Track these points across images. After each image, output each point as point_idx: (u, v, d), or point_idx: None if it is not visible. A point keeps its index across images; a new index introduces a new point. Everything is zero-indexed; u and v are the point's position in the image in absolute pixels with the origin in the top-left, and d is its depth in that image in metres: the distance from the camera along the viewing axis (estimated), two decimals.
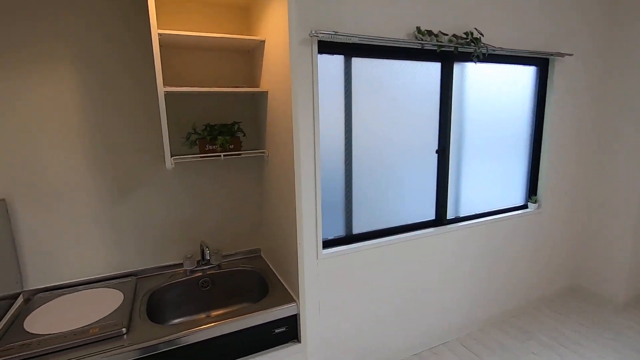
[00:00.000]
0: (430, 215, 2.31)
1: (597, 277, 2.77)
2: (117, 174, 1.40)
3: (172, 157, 1.25)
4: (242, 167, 1.61)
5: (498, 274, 2.50)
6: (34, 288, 1.34)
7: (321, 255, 1.84)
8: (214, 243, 1.61)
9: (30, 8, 1.21)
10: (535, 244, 2.62)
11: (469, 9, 2.00)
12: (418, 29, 1.85)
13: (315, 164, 1.62)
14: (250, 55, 1.55)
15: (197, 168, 1.52)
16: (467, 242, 2.33)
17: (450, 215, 2.35)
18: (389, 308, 2.11)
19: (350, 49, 1.86)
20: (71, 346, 1.03)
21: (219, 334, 1.15)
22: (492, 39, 2.11)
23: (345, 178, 2.03)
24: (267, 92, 1.36)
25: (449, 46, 1.94)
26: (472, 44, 1.97)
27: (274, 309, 1.22)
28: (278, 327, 1.24)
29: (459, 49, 1.98)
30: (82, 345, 1.04)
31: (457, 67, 2.16)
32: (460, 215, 2.41)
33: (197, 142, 1.38)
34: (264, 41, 1.34)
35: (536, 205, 2.56)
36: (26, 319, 1.15)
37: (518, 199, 2.62)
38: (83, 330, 1.08)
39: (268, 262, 1.61)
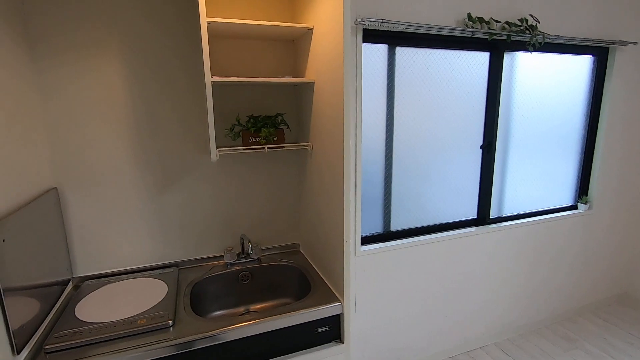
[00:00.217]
0: (472, 213, 2.21)
1: None
2: (163, 165, 1.39)
3: (217, 149, 1.23)
4: (283, 160, 1.57)
5: (542, 277, 2.37)
6: (82, 275, 1.37)
7: (359, 252, 1.79)
8: (253, 236, 1.59)
9: None
10: (584, 247, 2.46)
11: None
12: (469, 15, 1.74)
13: (356, 158, 1.56)
14: (294, 45, 1.49)
15: (240, 160, 1.50)
16: (510, 243, 2.21)
17: (493, 214, 2.23)
18: (425, 309, 2.04)
19: (395, 38, 1.77)
20: (120, 336, 1.03)
21: (264, 331, 1.12)
22: (547, 27, 1.96)
23: (385, 173, 1.96)
24: (313, 82, 1.31)
25: (501, 34, 1.81)
26: (527, 31, 1.83)
27: (318, 308, 1.18)
28: (321, 326, 1.21)
29: (512, 37, 1.84)
30: (131, 335, 1.04)
31: (507, 57, 2.02)
32: (504, 215, 2.28)
33: (241, 133, 1.36)
34: (312, 29, 1.28)
35: (587, 206, 2.39)
36: (77, 306, 1.17)
37: (567, 198, 2.46)
38: (131, 321, 1.08)
39: (307, 258, 1.57)
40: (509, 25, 1.82)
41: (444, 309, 2.10)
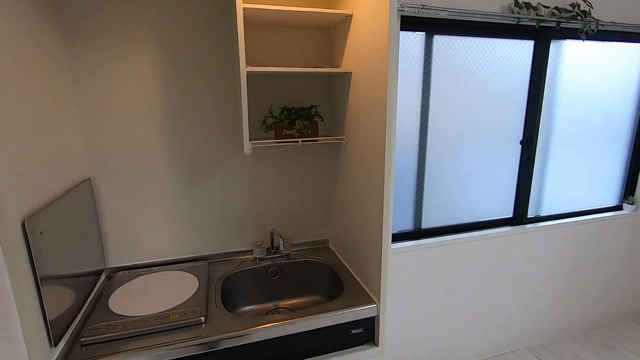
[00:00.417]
0: (508, 212, 2.10)
1: None
2: (194, 157, 1.37)
3: (250, 142, 1.19)
4: (315, 154, 1.52)
5: (581, 281, 2.24)
6: (115, 266, 1.37)
7: (390, 250, 1.73)
8: (282, 231, 1.55)
9: None
10: (628, 250, 2.31)
11: None
12: (516, 1, 1.61)
13: (391, 153, 1.49)
14: (329, 33, 1.42)
15: (272, 153, 1.46)
16: (549, 244, 2.09)
17: (530, 213, 2.11)
18: (456, 310, 1.97)
19: (434, 25, 1.67)
20: (153, 331, 1.02)
21: (297, 332, 1.09)
22: (601, 12, 1.80)
23: (418, 168, 1.88)
24: (351, 73, 1.24)
25: (550, 21, 1.68)
26: (579, 17, 1.69)
27: (353, 309, 1.14)
28: (355, 328, 1.16)
29: (562, 24, 1.71)
30: (163, 331, 1.03)
31: (553, 46, 1.89)
32: (542, 215, 2.16)
33: (274, 126, 1.31)
34: (350, 16, 1.21)
35: (633, 207, 2.24)
36: (110, 298, 1.17)
37: (611, 199, 2.31)
38: (164, 316, 1.07)
39: (337, 255, 1.53)
40: (558, 11, 1.69)
41: (476, 311, 2.02)
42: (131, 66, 1.24)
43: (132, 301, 1.15)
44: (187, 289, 1.22)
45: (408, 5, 1.41)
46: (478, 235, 1.93)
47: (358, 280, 1.31)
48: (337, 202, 1.50)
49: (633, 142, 2.24)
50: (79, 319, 1.08)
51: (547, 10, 1.70)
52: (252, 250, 1.50)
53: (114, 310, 1.10)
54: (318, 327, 1.11)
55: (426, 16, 1.52)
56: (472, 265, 1.94)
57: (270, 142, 1.28)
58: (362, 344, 1.19)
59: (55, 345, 0.92)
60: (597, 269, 2.26)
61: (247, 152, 1.18)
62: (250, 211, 1.49)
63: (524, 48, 1.87)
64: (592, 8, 1.76)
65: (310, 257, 1.50)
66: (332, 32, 1.40)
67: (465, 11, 1.52)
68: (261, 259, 1.47)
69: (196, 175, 1.39)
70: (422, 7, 1.44)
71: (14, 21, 0.88)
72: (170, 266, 1.40)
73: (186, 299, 1.16)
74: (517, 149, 2.01)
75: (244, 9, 1.10)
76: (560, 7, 1.71)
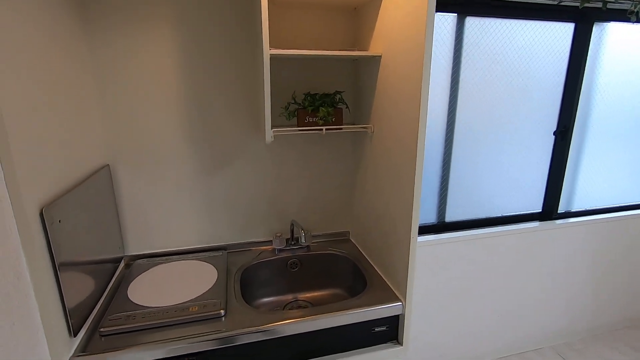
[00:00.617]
0: (536, 206, 2.00)
1: None
2: (214, 144, 1.32)
3: (272, 129, 1.13)
4: (339, 143, 1.45)
5: (613, 281, 2.14)
6: (133, 254, 1.35)
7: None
8: (302, 222, 1.51)
9: None
10: None
11: None
12: None
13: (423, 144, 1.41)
14: (356, 14, 1.34)
15: (294, 142, 1.40)
16: (580, 241, 1.99)
17: (560, 208, 2.01)
18: (478, 306, 1.91)
19: (467, 6, 1.56)
20: (172, 323, 0.99)
21: (318, 328, 1.05)
22: None
23: (443, 159, 1.79)
24: (380, 56, 1.16)
25: (596, 1, 1.54)
26: None
27: (377, 307, 1.09)
28: (379, 326, 1.12)
29: (609, 5, 1.57)
30: (183, 323, 1.00)
31: (595, 29, 1.74)
32: (573, 210, 2.05)
33: (297, 112, 1.24)
34: None
35: None
36: (129, 287, 1.15)
37: None
38: (183, 307, 1.04)
39: (359, 247, 1.47)
40: None
41: (499, 307, 1.95)
42: (151, 49, 1.19)
43: (151, 291, 1.13)
44: (206, 279, 1.20)
45: None
46: (504, 230, 1.84)
47: (382, 275, 1.26)
48: (359, 193, 1.44)
49: None
50: (98, 308, 1.06)
51: None
52: (272, 240, 1.46)
53: (133, 300, 1.08)
54: (341, 325, 1.06)
55: None
56: (497, 261, 1.87)
57: (293, 130, 1.22)
58: (385, 342, 1.14)
59: (75, 335, 0.90)
60: (631, 268, 2.15)
61: (269, 140, 1.12)
62: (270, 201, 1.44)
63: (562, 31, 1.74)
64: None
65: (331, 250, 1.45)
66: (359, 12, 1.31)
67: None
68: (280, 250, 1.43)
69: (216, 163, 1.34)
70: None
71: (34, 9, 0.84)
72: (188, 255, 1.37)
73: (205, 290, 1.13)
74: (550, 140, 1.90)
75: None
76: None
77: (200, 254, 1.38)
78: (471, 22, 1.61)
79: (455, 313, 1.87)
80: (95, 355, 0.90)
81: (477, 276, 1.85)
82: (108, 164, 1.24)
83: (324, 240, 1.55)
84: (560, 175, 1.91)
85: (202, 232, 1.40)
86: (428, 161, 1.77)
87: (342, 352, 1.11)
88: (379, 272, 1.28)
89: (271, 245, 1.47)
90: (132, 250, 1.35)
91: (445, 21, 1.59)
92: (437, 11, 1.52)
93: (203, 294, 1.11)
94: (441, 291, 1.80)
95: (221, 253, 1.39)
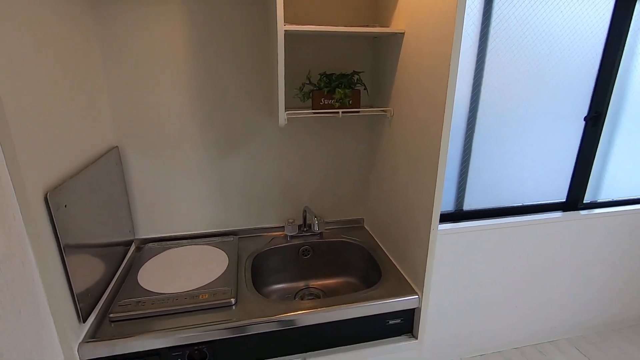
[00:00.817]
0: (561, 196, 1.91)
1: None
2: (225, 126, 1.27)
3: (286, 112, 1.07)
4: (355, 126, 1.38)
5: (637, 275, 2.05)
6: (144, 237, 1.33)
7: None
8: (315, 208, 1.46)
9: None
10: None
11: None
12: None
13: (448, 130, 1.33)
14: None
15: (308, 125, 1.34)
16: (604, 234, 1.90)
17: (586, 198, 1.91)
18: (494, 297, 1.85)
19: None
20: (182, 310, 0.97)
21: (331, 320, 1.01)
22: None
23: (464, 144, 1.70)
24: (402, 33, 1.07)
25: None
26: None
27: (392, 300, 1.04)
28: (393, 319, 1.08)
29: None
30: (192, 311, 0.98)
31: (639, 5, 1.60)
32: (599, 200, 1.95)
33: (312, 94, 1.18)
34: None
35: None
36: (139, 272, 1.13)
37: None
38: (193, 295, 1.02)
39: (373, 236, 1.43)
40: None
41: (516, 299, 1.89)
42: (162, 24, 1.13)
43: (160, 277, 1.11)
44: (216, 266, 1.17)
45: None
46: (524, 221, 1.77)
47: (397, 266, 1.21)
48: (376, 179, 1.37)
49: None
50: (108, 293, 1.05)
51: None
52: (283, 227, 1.43)
53: (142, 286, 1.06)
54: (354, 317, 1.03)
55: None
56: (515, 252, 1.80)
57: (308, 113, 1.15)
58: (400, 335, 1.11)
59: (84, 321, 0.89)
60: None
61: (282, 123, 1.06)
62: (282, 186, 1.40)
63: (601, 6, 1.60)
64: None
65: (344, 237, 1.41)
66: None
67: None
68: (292, 237, 1.40)
69: (227, 146, 1.30)
70: None
71: None
72: (199, 240, 1.35)
73: (216, 277, 1.11)
74: (580, 125, 1.78)
75: None
76: None
77: (211, 238, 1.36)
78: None
79: (469, 303, 1.82)
80: (104, 341, 0.88)
81: (493, 267, 1.79)
82: (117, 146, 1.20)
83: (338, 227, 1.50)
84: (589, 163, 1.80)
85: (213, 216, 1.37)
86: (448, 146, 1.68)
87: (354, 343, 1.08)
88: (394, 262, 1.23)
89: (283, 231, 1.44)
90: (143, 234, 1.33)
91: None
92: None
93: (213, 281, 1.09)
94: (455, 281, 1.76)
95: (232, 238, 1.36)
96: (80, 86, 0.98)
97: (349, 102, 1.16)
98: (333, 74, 1.19)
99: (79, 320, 0.88)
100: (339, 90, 1.13)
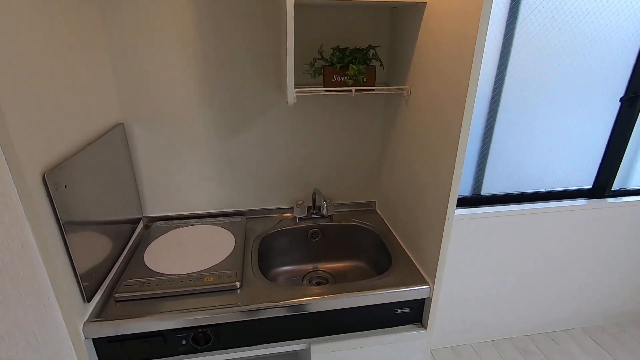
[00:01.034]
0: (587, 182, 1.80)
1: None
2: (233, 103, 1.22)
3: (295, 89, 1.00)
4: (369, 106, 1.30)
5: None
6: (152, 216, 1.32)
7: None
8: (325, 190, 1.42)
9: None
10: None
11: None
12: None
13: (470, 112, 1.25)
14: None
15: (319, 103, 1.27)
16: (632, 223, 1.80)
17: (614, 186, 1.80)
18: (508, 285, 1.80)
19: None
20: (186, 293, 0.96)
21: (339, 307, 0.99)
22: None
23: (486, 126, 1.60)
24: (424, 3, 0.97)
25: None
26: None
27: (402, 289, 1.01)
28: (402, 308, 1.04)
29: None
30: (197, 293, 0.97)
31: None
32: (629, 188, 1.83)
33: (323, 70, 1.10)
34: None
35: None
36: (146, 251, 1.13)
37: None
38: (198, 277, 1.00)
39: (385, 220, 1.38)
40: None
41: (531, 288, 1.84)
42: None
43: (167, 257, 1.10)
44: (223, 247, 1.15)
45: None
46: (545, 207, 1.68)
47: (408, 253, 1.17)
48: (389, 162, 1.31)
49: None
50: (114, 272, 1.05)
51: None
52: (292, 208, 1.39)
53: (148, 266, 1.05)
54: (362, 305, 1.00)
55: None
56: (534, 241, 1.73)
57: (318, 91, 1.08)
58: (408, 324, 1.08)
59: (89, 300, 0.89)
60: None
61: (291, 101, 1.00)
62: (291, 166, 1.35)
63: None
64: None
65: (355, 221, 1.37)
66: None
67: None
68: (301, 219, 1.36)
69: (235, 123, 1.25)
70: None
71: None
72: (207, 219, 1.33)
73: (222, 259, 1.09)
74: (614, 107, 1.65)
75: None
76: None
77: (219, 218, 1.34)
78: None
79: (481, 289, 1.78)
80: (109, 321, 0.88)
81: (510, 255, 1.73)
82: (122, 122, 1.17)
83: (348, 210, 1.46)
84: (622, 147, 1.68)
85: (221, 196, 1.34)
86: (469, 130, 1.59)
87: (360, 331, 1.05)
88: (405, 249, 1.19)
89: (292, 212, 1.40)
90: (151, 212, 1.32)
91: None
92: None
93: (219, 263, 1.07)
94: (468, 267, 1.71)
95: (240, 219, 1.33)
96: (80, 58, 0.93)
97: (362, 80, 1.08)
98: (347, 48, 1.10)
99: (84, 300, 0.87)
100: (353, 66, 1.05)
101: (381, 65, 1.19)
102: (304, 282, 1.31)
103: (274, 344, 1.01)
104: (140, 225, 1.30)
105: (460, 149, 0.86)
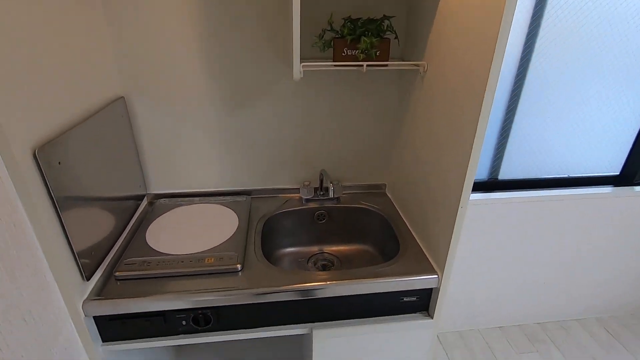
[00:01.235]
0: (614, 169, 1.69)
1: None
2: (238, 78, 1.15)
3: (302, 63, 0.93)
4: (381, 83, 1.22)
5: None
6: (156, 192, 1.30)
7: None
8: (333, 170, 1.36)
9: None
10: None
11: None
12: None
13: (492, 91, 1.15)
14: None
15: (328, 79, 1.19)
16: None
17: None
18: (522, 274, 1.75)
19: None
20: (186, 274, 0.95)
21: (344, 294, 0.96)
22: None
23: (508, 106, 1.50)
24: None
25: None
26: None
27: (410, 278, 0.97)
28: (408, 296, 1.01)
29: None
30: (197, 275, 0.95)
31: None
32: None
33: (333, 43, 1.02)
34: None
35: None
36: (148, 229, 1.11)
37: None
38: (199, 258, 0.98)
39: (395, 204, 1.32)
40: None
41: (545, 277, 1.78)
42: None
43: (169, 236, 1.08)
44: (226, 227, 1.13)
45: None
46: (568, 194, 1.59)
47: (417, 240, 1.12)
48: (401, 143, 1.24)
49: None
50: (116, 250, 1.04)
51: None
52: (299, 189, 1.35)
53: (150, 245, 1.04)
54: (367, 293, 0.96)
55: None
56: (553, 229, 1.65)
57: (327, 65, 1.01)
58: (414, 313, 1.04)
59: (88, 279, 0.88)
60: None
61: (297, 76, 0.93)
62: (298, 146, 1.29)
63: None
64: None
65: (363, 204, 1.32)
66: None
67: None
68: (308, 200, 1.32)
69: (242, 98, 1.19)
70: None
71: None
72: (211, 198, 1.30)
73: (224, 240, 1.07)
74: None
75: None
76: None
77: (223, 197, 1.31)
78: None
79: (492, 275, 1.73)
80: (109, 300, 0.87)
81: (526, 244, 1.66)
82: (123, 96, 1.13)
83: (357, 192, 1.40)
84: None
85: (226, 174, 1.31)
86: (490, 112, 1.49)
87: (362, 317, 1.03)
88: (414, 235, 1.14)
89: (298, 193, 1.36)
90: (155, 189, 1.30)
91: None
92: None
93: (221, 244, 1.05)
94: (479, 253, 1.65)
95: (245, 198, 1.30)
96: (75, 26, 0.88)
97: (375, 54, 0.99)
98: (359, 18, 1.02)
99: (83, 278, 0.86)
100: (365, 39, 0.96)
101: (396, 37, 1.09)
102: (309, 264, 1.28)
103: (274, 327, 0.99)
104: (145, 202, 1.28)
105: (479, 132, 0.79)
